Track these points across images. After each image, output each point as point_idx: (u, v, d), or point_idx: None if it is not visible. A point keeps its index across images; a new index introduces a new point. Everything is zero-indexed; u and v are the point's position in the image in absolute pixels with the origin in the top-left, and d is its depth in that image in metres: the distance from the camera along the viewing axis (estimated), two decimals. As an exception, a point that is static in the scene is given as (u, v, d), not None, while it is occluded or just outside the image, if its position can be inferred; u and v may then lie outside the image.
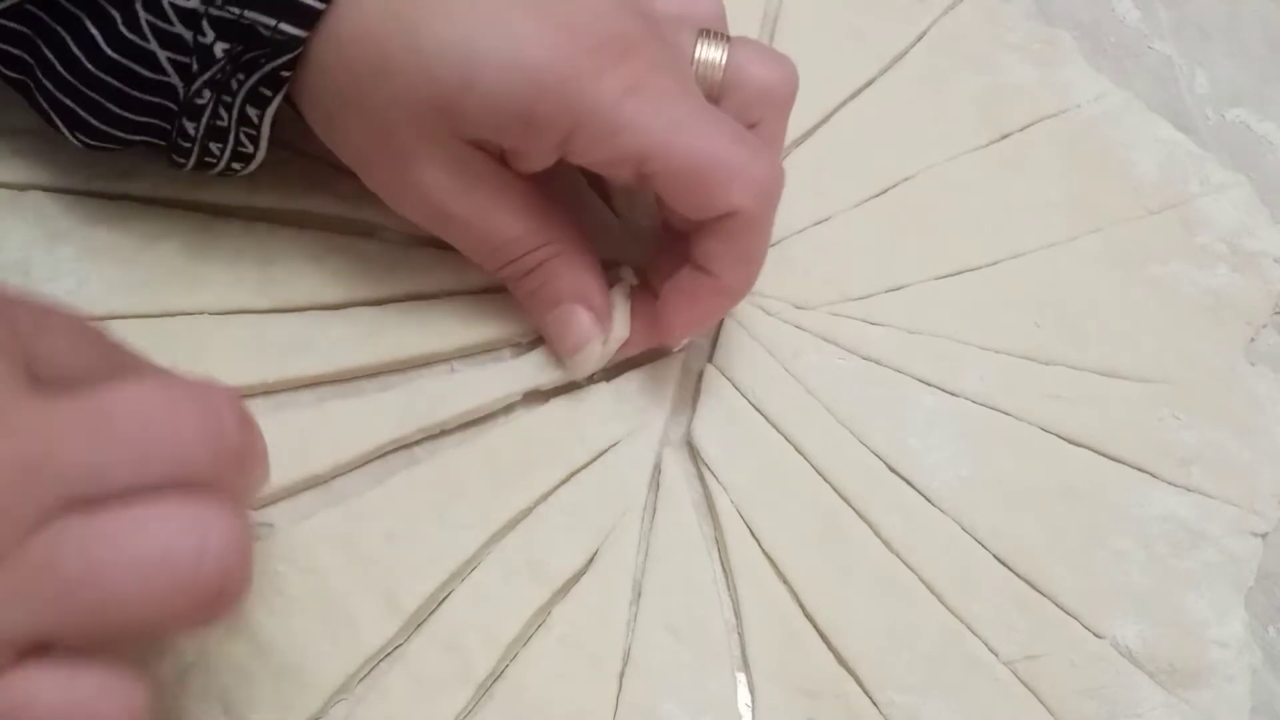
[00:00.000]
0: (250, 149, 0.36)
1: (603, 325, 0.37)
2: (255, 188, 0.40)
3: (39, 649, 0.24)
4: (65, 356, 0.27)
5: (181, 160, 0.37)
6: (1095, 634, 0.37)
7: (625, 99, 0.32)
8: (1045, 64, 0.48)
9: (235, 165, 0.37)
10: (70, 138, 0.36)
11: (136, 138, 0.36)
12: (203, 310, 0.38)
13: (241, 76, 0.34)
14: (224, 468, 0.26)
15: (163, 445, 0.25)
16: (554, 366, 0.39)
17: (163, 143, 0.36)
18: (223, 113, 0.35)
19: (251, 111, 0.35)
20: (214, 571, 0.25)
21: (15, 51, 0.35)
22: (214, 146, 0.36)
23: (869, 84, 0.47)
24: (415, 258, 0.40)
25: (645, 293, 0.39)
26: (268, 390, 0.38)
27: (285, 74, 0.34)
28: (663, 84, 0.33)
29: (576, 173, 0.42)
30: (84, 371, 0.27)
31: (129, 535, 0.24)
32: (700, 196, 0.34)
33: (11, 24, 0.34)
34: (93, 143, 0.36)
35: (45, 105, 0.36)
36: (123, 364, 0.28)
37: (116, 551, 0.24)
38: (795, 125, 0.45)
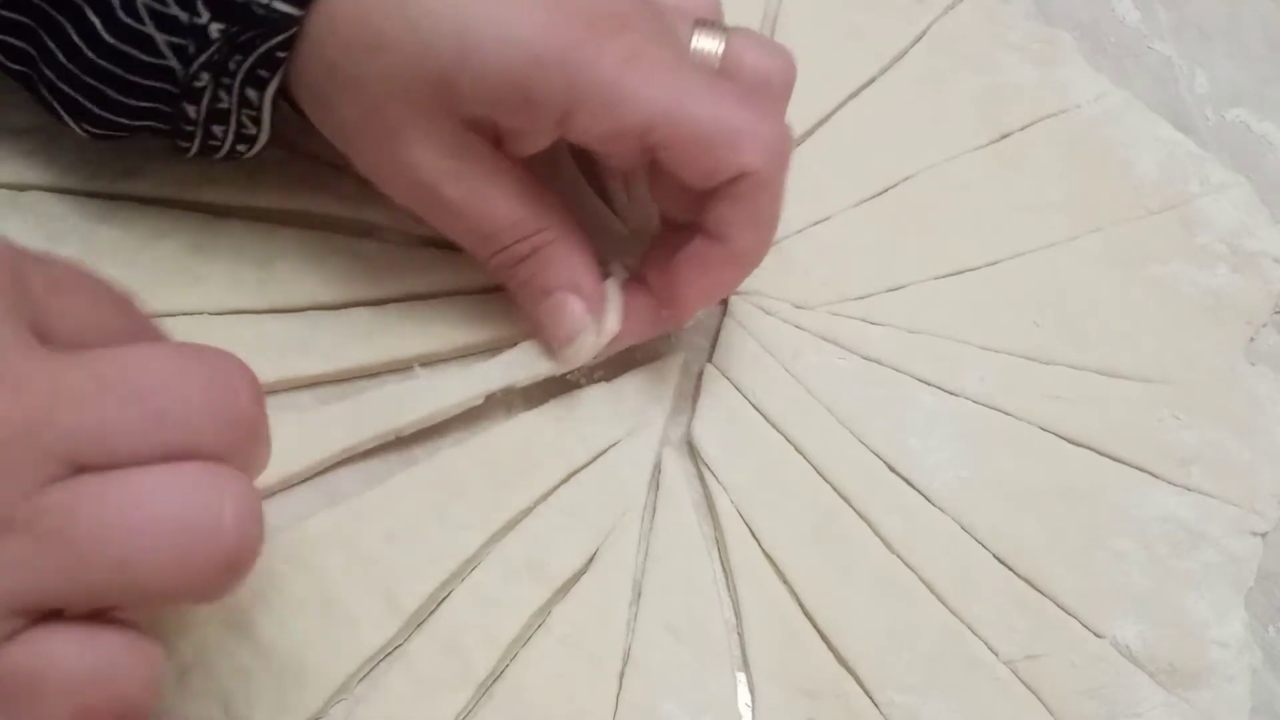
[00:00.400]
0: (253, 130, 0.36)
1: (596, 316, 0.36)
2: (255, 188, 0.40)
3: (51, 614, 0.24)
4: (81, 318, 0.26)
5: (185, 144, 0.36)
6: (1095, 634, 0.37)
7: (625, 70, 0.32)
8: (1045, 64, 0.48)
9: (240, 148, 0.37)
10: (75, 128, 0.36)
11: (140, 123, 0.36)
12: (203, 310, 0.38)
13: (239, 58, 0.34)
14: (232, 437, 0.26)
15: (171, 409, 0.25)
16: (526, 365, 0.38)
17: (166, 127, 0.36)
18: (222, 95, 0.35)
19: (251, 93, 0.35)
20: (231, 536, 0.25)
21: (17, 43, 0.35)
22: (216, 130, 0.36)
23: (869, 84, 0.47)
24: (415, 258, 0.40)
25: (639, 286, 0.38)
26: (268, 390, 0.38)
27: (281, 54, 0.33)
28: (661, 55, 0.33)
29: (576, 173, 0.42)
30: (101, 334, 0.26)
31: (146, 496, 0.24)
32: (709, 161, 0.33)
33: (12, 15, 0.34)
34: (98, 131, 0.36)
35: (48, 96, 0.35)
36: (141, 329, 0.28)
37: (134, 512, 0.24)
38: (795, 125, 0.45)
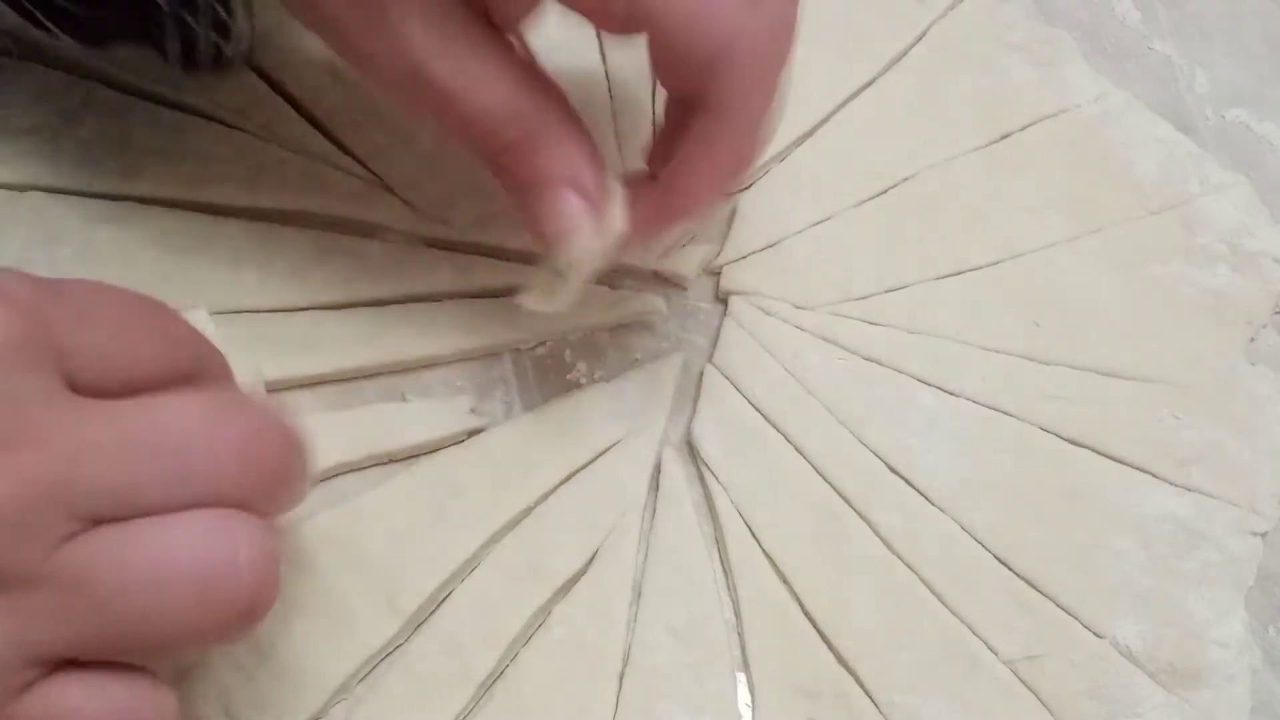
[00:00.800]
0: (224, 16, 0.35)
1: (596, 211, 0.33)
2: (255, 188, 0.40)
3: (67, 662, 0.24)
4: (107, 352, 0.25)
5: (163, 45, 0.35)
6: (1095, 634, 0.37)
7: None
8: (1045, 64, 0.48)
9: (219, 42, 0.35)
10: (61, 36, 0.35)
11: (117, 20, 0.35)
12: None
13: None
14: (259, 493, 0.26)
15: (200, 469, 0.25)
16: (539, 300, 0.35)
17: (139, 23, 0.35)
18: None
19: None
20: (247, 585, 0.25)
21: None
22: (189, 19, 0.34)
23: (869, 84, 0.47)
24: (415, 258, 0.40)
25: (646, 181, 0.35)
26: (267, 390, 0.38)
27: None
28: None
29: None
30: (128, 367, 0.25)
31: (164, 548, 0.24)
32: (689, 35, 0.31)
33: None
34: (82, 37, 0.35)
35: (28, 4, 0.34)
36: (176, 363, 0.27)
37: (151, 565, 0.24)
38: (795, 125, 0.45)
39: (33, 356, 0.24)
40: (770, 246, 0.43)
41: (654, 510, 0.38)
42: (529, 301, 0.35)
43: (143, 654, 0.25)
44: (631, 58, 0.45)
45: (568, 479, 0.38)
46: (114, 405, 0.25)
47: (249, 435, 0.26)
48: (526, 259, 0.41)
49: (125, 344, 0.26)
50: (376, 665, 0.35)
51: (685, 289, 0.43)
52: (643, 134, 0.44)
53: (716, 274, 0.43)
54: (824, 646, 0.36)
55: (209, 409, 0.25)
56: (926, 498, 0.39)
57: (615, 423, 0.39)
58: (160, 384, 0.26)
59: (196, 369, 0.27)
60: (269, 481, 0.26)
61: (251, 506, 0.26)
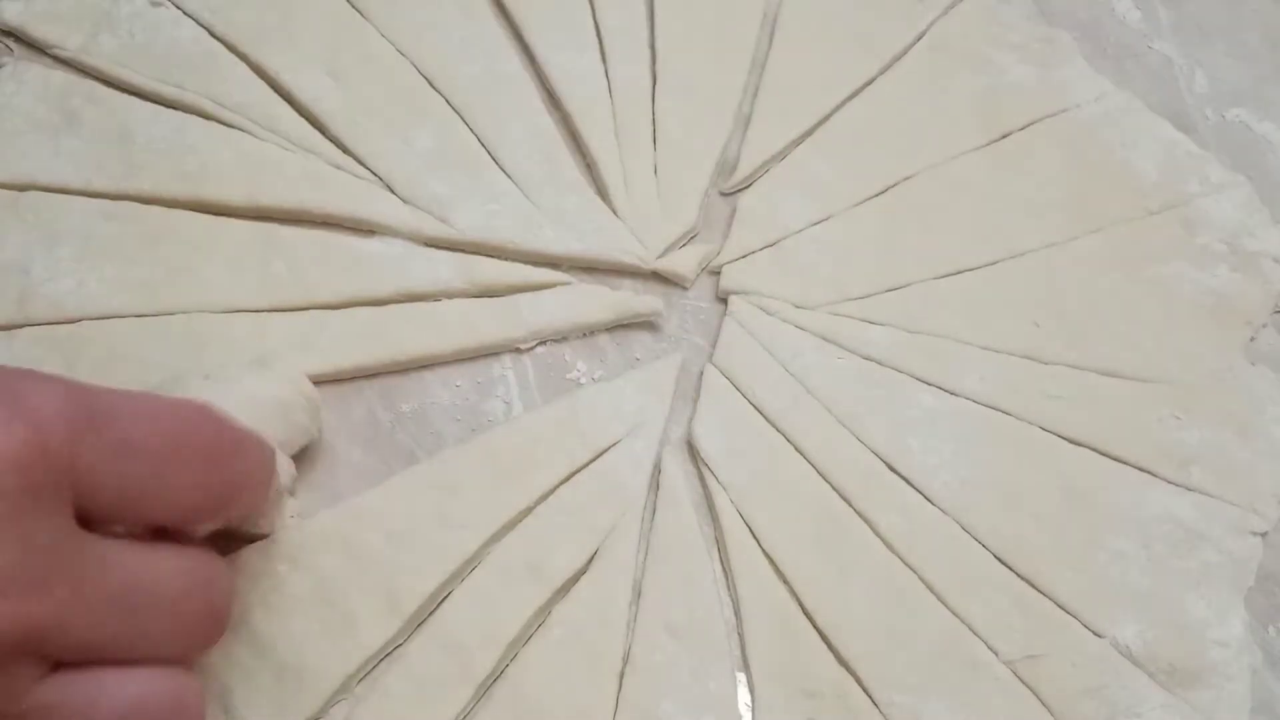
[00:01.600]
0: None
1: None
2: (255, 188, 0.40)
3: None
4: (142, 489, 0.26)
5: None
6: (1095, 634, 0.37)
7: None
8: (1045, 64, 0.48)
9: None
10: None
11: None
12: (203, 309, 0.38)
13: None
14: (199, 650, 0.29)
15: (168, 633, 0.27)
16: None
17: None
18: None
19: None
20: None
21: None
22: None
23: (869, 84, 0.47)
24: (415, 257, 0.40)
25: None
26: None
27: None
28: None
29: (576, 175, 0.42)
30: (156, 509, 0.27)
31: (126, 701, 0.26)
32: None
33: None
34: None
35: None
36: (203, 509, 0.28)
37: (115, 714, 0.26)
38: (795, 125, 0.45)
39: (44, 492, 0.24)
40: (770, 246, 0.43)
41: (654, 510, 0.38)
42: None
43: None
44: (632, 57, 0.45)
45: (568, 479, 0.38)
46: (110, 555, 0.26)
47: (213, 606, 0.29)
48: (526, 259, 0.41)
49: (160, 483, 0.26)
50: (376, 665, 0.35)
51: (685, 289, 0.43)
52: (643, 133, 0.44)
53: (716, 274, 0.43)
54: (824, 646, 0.36)
55: (191, 574, 0.28)
56: (926, 498, 0.39)
57: (615, 423, 0.39)
58: (181, 524, 0.28)
59: (231, 505, 0.29)
60: (209, 641, 0.29)
61: (187, 659, 0.29)
